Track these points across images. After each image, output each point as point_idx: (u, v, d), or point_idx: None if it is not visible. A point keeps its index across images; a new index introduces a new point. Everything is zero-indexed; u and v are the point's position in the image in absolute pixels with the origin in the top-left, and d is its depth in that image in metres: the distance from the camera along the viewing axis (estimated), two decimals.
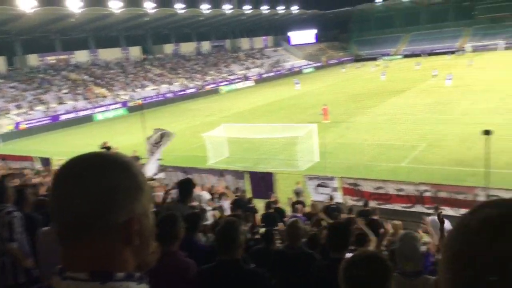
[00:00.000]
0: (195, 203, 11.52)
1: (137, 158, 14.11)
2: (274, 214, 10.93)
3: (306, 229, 7.20)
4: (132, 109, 50.58)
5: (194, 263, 3.69)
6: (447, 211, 12.65)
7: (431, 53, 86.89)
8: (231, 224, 3.66)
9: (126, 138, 31.86)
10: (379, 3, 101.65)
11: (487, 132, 13.85)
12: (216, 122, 30.85)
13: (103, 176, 1.04)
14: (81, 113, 48.91)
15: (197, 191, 13.01)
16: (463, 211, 12.98)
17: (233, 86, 68.00)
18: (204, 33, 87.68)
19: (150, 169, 13.90)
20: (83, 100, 52.51)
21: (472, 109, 30.86)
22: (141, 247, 1.09)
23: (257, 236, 7.72)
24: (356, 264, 2.23)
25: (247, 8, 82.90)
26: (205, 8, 74.29)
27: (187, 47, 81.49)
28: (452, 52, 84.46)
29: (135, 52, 73.36)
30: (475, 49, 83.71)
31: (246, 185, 16.88)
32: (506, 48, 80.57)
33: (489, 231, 0.77)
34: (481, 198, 12.65)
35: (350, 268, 2.23)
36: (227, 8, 79.07)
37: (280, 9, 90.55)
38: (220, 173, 17.79)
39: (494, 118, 26.71)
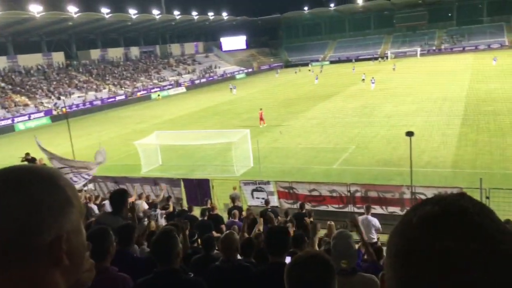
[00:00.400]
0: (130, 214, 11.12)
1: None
2: (208, 222, 10.78)
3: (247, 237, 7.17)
4: (56, 118, 48.04)
5: (129, 278, 3.50)
6: (377, 209, 13.26)
7: (357, 59, 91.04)
8: (167, 233, 3.53)
9: (51, 149, 30.09)
10: (307, 11, 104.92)
11: (409, 134, 14.65)
12: (148, 130, 30.08)
13: (23, 192, 0.91)
14: (0, 123, 45.56)
15: (132, 200, 12.58)
16: (391, 209, 13.66)
17: (164, 93, 66.78)
18: (133, 38, 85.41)
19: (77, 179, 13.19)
20: (1, 109, 48.95)
21: (396, 112, 32.68)
22: (72, 267, 0.97)
23: (195, 245, 7.55)
24: (300, 265, 2.21)
25: (176, 14, 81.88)
26: (132, 12, 72.32)
27: (115, 53, 78.86)
28: (376, 58, 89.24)
29: (58, 57, 69.64)
30: (396, 56, 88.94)
31: (182, 193, 16.60)
32: (421, 55, 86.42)
33: (428, 227, 0.79)
34: (407, 196, 13.37)
35: (295, 269, 2.21)
36: (155, 13, 77.59)
37: (210, 15, 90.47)
38: (154, 181, 17.33)
39: (415, 120, 28.49)
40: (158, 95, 64.06)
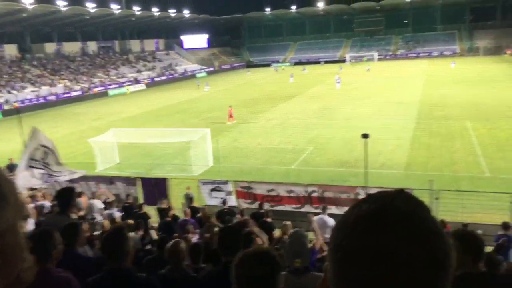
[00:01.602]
0: (82, 213, 10.79)
1: (13, 166, 12.77)
2: (171, 223, 10.65)
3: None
4: (7, 113, 45.92)
5: (73, 278, 3.39)
6: (333, 210, 13.51)
7: (325, 61, 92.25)
8: (118, 231, 3.46)
9: (1, 145, 28.83)
10: (269, 12, 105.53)
11: (365, 136, 15.03)
12: (105, 127, 29.31)
13: None
14: None
15: (83, 200, 12.22)
16: (346, 209, 13.94)
17: (123, 89, 65.33)
18: (90, 33, 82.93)
19: (22, 178, 12.55)
20: None
21: (354, 114, 33.46)
22: (5, 266, 0.94)
23: (148, 247, 7.43)
24: (246, 261, 2.24)
25: (136, 9, 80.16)
26: (90, 6, 70.17)
27: (71, 47, 76.33)
28: (342, 61, 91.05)
29: (10, 50, 66.69)
30: (354, 59, 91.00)
31: (139, 192, 16.30)
32: (379, 59, 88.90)
33: (362, 225, 0.85)
34: (362, 196, 13.67)
35: (241, 265, 2.23)
36: (115, 8, 75.66)
37: (172, 12, 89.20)
38: (110, 180, 16.91)
39: (372, 123, 29.26)
40: (127, 89, 64.06)
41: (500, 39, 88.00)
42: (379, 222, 0.84)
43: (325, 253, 5.90)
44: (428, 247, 0.82)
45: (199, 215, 11.62)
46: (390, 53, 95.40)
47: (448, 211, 12.28)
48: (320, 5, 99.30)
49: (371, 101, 38.68)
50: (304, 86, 53.18)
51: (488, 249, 9.58)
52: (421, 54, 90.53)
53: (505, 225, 10.27)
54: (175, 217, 11.48)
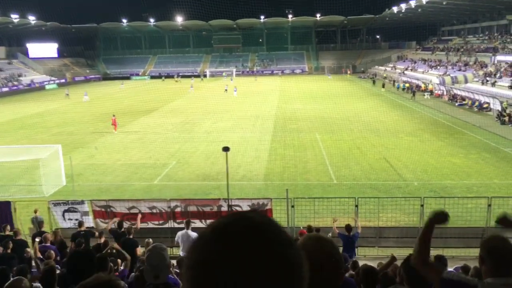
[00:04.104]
0: None
1: None
2: (10, 255, 9.39)
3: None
4: None
5: None
6: (197, 223, 13.53)
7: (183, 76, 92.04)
8: None
9: None
10: (125, 24, 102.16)
11: (226, 149, 15.44)
12: None
13: None
14: None
15: None
16: (210, 222, 14.11)
17: None
18: None
19: None
20: None
21: (214, 128, 34.15)
22: None
23: None
24: None
25: None
26: None
27: None
28: (198, 76, 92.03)
29: None
30: (214, 74, 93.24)
31: None
32: (236, 75, 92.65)
33: (217, 239, 0.87)
34: (225, 208, 14.01)
35: None
36: None
37: (15, 17, 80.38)
38: None
39: (232, 136, 30.22)
40: None
41: (340, 60, 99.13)
42: (237, 229, 0.87)
43: None
44: (283, 258, 0.86)
45: (50, 239, 10.57)
46: (247, 69, 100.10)
47: (303, 217, 13.24)
48: (179, 19, 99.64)
49: (229, 115, 39.95)
50: (163, 100, 52.58)
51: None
52: (275, 71, 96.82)
53: (347, 227, 11.45)
54: (20, 242, 10.26)
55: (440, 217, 2.78)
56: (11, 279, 4.19)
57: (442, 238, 12.61)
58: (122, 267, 8.90)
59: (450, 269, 7.56)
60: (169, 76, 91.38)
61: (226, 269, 0.82)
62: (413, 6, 71.29)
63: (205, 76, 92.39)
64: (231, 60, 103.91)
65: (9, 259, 9.03)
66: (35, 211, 13.62)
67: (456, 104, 44.54)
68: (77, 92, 62.30)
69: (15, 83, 74.51)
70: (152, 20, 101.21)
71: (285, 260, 0.86)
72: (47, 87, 77.99)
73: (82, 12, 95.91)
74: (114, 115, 33.98)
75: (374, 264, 8.38)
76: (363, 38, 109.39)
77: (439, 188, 18.67)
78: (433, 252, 8.95)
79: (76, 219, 13.52)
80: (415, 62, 78.11)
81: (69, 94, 60.43)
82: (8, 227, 11.58)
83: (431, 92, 53.18)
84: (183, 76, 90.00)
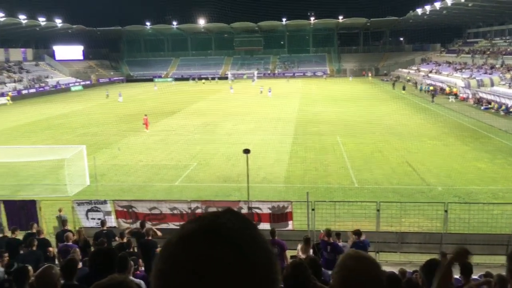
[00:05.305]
0: None
1: None
2: (36, 252, 9.62)
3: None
4: None
5: None
6: None
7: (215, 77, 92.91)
8: None
9: None
10: (149, 27, 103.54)
11: (246, 151, 15.47)
12: None
13: None
14: None
15: None
16: (181, 224, 14.12)
17: None
18: None
19: None
20: None
21: (235, 130, 34.26)
22: None
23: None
24: None
25: (0, 15, 72.41)
26: None
27: None
28: (220, 78, 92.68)
29: None
30: (236, 77, 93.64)
31: (3, 217, 14.58)
32: (258, 77, 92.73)
33: (184, 244, 0.83)
34: (245, 210, 14.03)
35: None
36: None
37: (42, 20, 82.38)
38: None
39: (253, 138, 30.25)
40: (8, 100, 59.90)
41: (362, 62, 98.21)
42: (201, 239, 0.82)
43: None
44: (253, 262, 0.83)
45: (74, 238, 10.78)
46: (269, 71, 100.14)
47: (323, 221, 13.14)
48: (202, 22, 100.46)
49: (250, 117, 40.01)
50: (185, 102, 53.04)
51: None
52: (296, 74, 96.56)
53: (356, 232, 11.21)
54: (42, 241, 10.49)
55: (462, 255, 2.72)
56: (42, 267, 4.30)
57: (466, 245, 12.36)
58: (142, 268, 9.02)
59: (474, 276, 7.40)
60: (200, 78, 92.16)
61: (188, 281, 0.79)
62: (437, 8, 70.15)
63: (226, 78, 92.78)
64: (253, 62, 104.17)
65: (35, 256, 9.28)
66: (60, 210, 13.91)
67: (482, 108, 43.59)
68: (112, 93, 63.65)
69: (42, 84, 76.31)
70: (175, 23, 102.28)
71: (251, 273, 0.82)
72: (73, 88, 79.62)
73: (107, 15, 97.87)
74: (146, 115, 35.11)
75: (395, 270, 8.25)
76: (386, 40, 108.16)
77: (464, 194, 18.29)
78: None
79: (99, 219, 13.74)
80: (439, 65, 76.84)
81: (109, 95, 62.61)
82: (36, 226, 11.85)
83: (456, 95, 52.21)
84: (205, 78, 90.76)
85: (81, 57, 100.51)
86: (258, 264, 0.83)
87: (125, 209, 14.60)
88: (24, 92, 68.73)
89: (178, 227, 0.89)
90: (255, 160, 22.66)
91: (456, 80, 59.36)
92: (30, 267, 6.92)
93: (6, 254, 8.90)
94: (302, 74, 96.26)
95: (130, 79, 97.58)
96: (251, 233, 0.87)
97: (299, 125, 36.16)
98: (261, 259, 0.84)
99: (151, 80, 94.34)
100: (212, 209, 14.22)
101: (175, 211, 14.34)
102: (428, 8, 73.57)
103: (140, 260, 9.20)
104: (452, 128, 33.55)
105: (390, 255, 13.16)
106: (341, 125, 35.14)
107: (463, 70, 64.88)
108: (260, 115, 41.32)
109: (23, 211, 14.36)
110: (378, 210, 13.20)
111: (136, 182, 21.29)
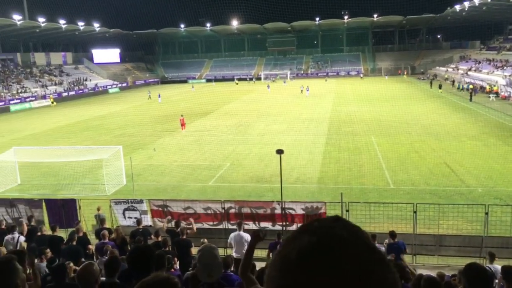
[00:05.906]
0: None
1: None
2: (76, 247, 9.97)
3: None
4: None
5: None
6: (250, 225, 13.62)
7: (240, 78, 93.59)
8: (4, 263, 3.08)
9: None
10: (183, 29, 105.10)
11: (279, 152, 15.44)
12: (6, 145, 27.05)
13: None
14: None
15: None
16: (263, 224, 14.15)
17: (26, 105, 60.90)
18: None
19: None
20: None
21: (267, 131, 34.26)
22: None
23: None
24: None
25: (41, 21, 75.29)
26: None
27: None
28: (251, 79, 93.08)
29: None
30: (269, 77, 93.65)
31: (44, 215, 15.14)
32: (291, 78, 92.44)
33: (307, 262, 0.78)
34: (278, 211, 14.00)
35: None
36: (17, 18, 70.51)
37: (81, 24, 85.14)
38: (10, 203, 15.51)
39: (286, 139, 30.16)
40: (52, 102, 62.31)
41: (398, 61, 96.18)
42: (325, 257, 0.77)
43: None
44: (378, 277, 0.78)
45: (112, 236, 11.07)
46: (302, 72, 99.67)
47: (358, 222, 12.89)
48: (234, 24, 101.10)
49: (283, 118, 39.91)
50: (218, 103, 53.50)
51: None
52: (330, 74, 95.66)
53: (391, 234, 10.99)
54: (83, 240, 10.84)
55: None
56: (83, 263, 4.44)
57: (509, 249, 11.92)
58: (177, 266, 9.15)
59: None
60: (241, 79, 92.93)
61: None
62: (477, 4, 67.85)
63: (258, 79, 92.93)
64: (285, 62, 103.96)
65: (76, 251, 9.63)
66: (98, 209, 14.30)
67: None
68: (152, 94, 65.27)
69: (81, 87, 78.80)
70: (208, 24, 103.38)
71: (383, 279, 0.78)
72: (110, 91, 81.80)
73: (142, 19, 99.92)
74: (182, 115, 35.79)
75: (433, 273, 8.03)
76: (422, 38, 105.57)
77: (506, 196, 17.60)
78: (500, 263, 8.45)
79: (135, 218, 14.03)
80: (479, 63, 74.26)
81: (151, 96, 64.31)
82: (80, 225, 12.25)
83: (497, 94, 50.34)
84: (244, 79, 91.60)
85: (118, 60, 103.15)
86: (386, 282, 0.78)
87: (160, 209, 14.86)
88: (64, 94, 71.19)
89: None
90: (288, 160, 22.58)
91: (497, 78, 57.22)
92: (71, 264, 7.16)
93: (48, 250, 9.25)
94: (335, 73, 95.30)
95: (164, 81, 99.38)
96: (369, 245, 0.82)
97: (332, 125, 35.78)
98: (386, 275, 0.79)
99: (185, 81, 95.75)
100: (245, 209, 14.27)
101: (208, 211, 14.48)
102: (466, 4, 71.26)
103: (176, 258, 9.36)
104: (493, 127, 32.36)
105: (427, 258, 12.83)
106: (376, 125, 34.51)
107: (505, 68, 62.44)
108: (293, 115, 41.16)
109: (64, 210, 14.86)
110: (415, 212, 12.88)
111: (170, 182, 21.63)
